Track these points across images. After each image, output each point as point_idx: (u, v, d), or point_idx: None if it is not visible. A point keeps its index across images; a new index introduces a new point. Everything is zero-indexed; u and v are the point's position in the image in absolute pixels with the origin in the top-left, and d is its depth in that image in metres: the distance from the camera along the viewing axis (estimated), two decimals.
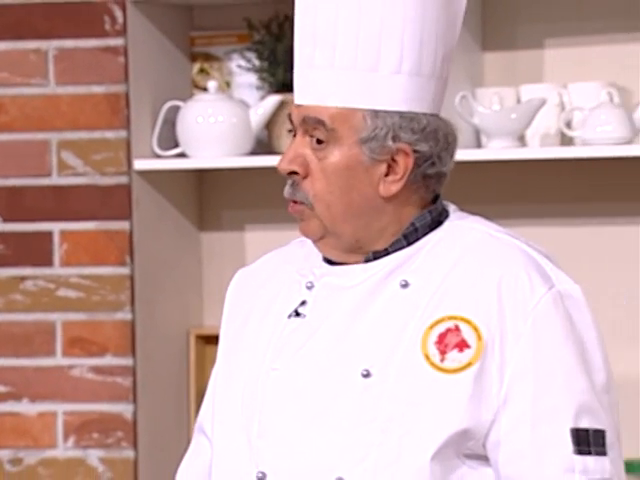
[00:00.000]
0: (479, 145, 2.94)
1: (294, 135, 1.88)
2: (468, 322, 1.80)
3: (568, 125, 2.88)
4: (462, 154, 2.85)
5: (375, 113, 1.81)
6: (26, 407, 3.13)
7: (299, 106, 1.85)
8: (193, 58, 3.24)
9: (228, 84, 3.20)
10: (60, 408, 3.10)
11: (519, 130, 2.89)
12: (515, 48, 3.05)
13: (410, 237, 1.86)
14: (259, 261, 2.04)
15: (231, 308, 2.02)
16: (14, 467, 3.14)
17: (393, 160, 1.81)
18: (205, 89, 3.12)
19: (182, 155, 3.11)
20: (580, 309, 1.83)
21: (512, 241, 1.85)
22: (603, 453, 1.78)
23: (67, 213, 3.10)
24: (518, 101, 2.94)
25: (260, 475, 1.84)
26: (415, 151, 1.81)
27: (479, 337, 1.78)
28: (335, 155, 1.82)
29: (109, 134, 3.07)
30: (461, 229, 1.88)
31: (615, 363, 2.10)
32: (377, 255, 1.87)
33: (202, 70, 3.24)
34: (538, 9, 3.02)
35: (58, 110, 3.10)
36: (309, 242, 1.94)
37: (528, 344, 1.79)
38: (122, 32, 3.05)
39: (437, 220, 1.87)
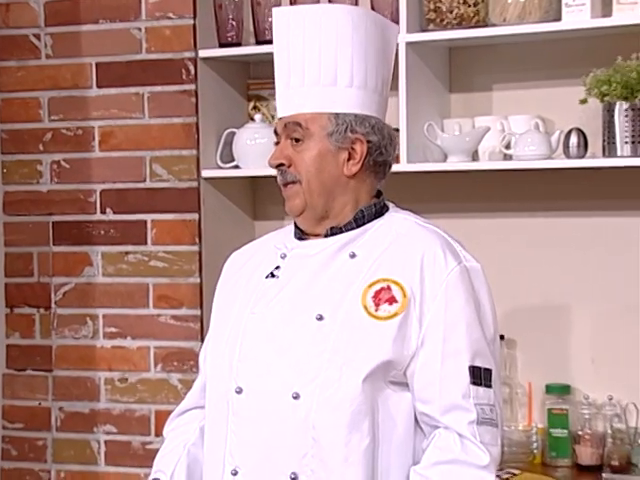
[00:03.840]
0: (444, 160, 2.94)
1: (277, 144, 1.90)
2: (397, 284, 1.81)
3: (507, 146, 2.89)
4: (431, 166, 3.01)
5: (336, 115, 1.85)
6: (129, 343, 3.17)
7: (281, 118, 1.88)
8: (249, 98, 3.27)
9: (273, 117, 3.19)
10: (152, 344, 3.14)
11: (472, 149, 2.91)
12: (472, 91, 3.03)
13: (359, 221, 1.89)
14: (248, 245, 2.07)
15: (224, 277, 2.03)
16: (121, 384, 3.18)
17: (352, 148, 1.86)
18: (254, 120, 3.16)
19: (237, 167, 3.13)
20: (480, 281, 1.86)
21: (433, 229, 1.90)
22: (489, 386, 1.81)
23: (156, 207, 3.12)
24: (473, 128, 2.96)
25: (238, 389, 1.84)
26: (368, 141, 1.86)
27: (404, 295, 1.80)
28: (311, 147, 1.85)
29: (185, 152, 3.10)
30: (396, 219, 1.92)
31: None
32: (334, 232, 1.88)
33: (255, 107, 3.27)
34: (488, 64, 3.01)
35: (150, 135, 3.12)
36: (284, 229, 2.00)
37: (441, 302, 1.80)
38: (194, 80, 3.06)
39: (379, 212, 1.91)
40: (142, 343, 3.16)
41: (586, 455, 2.83)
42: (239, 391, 1.84)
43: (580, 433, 2.85)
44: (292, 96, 1.87)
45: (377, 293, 1.81)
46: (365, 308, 1.81)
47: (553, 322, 2.97)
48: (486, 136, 2.91)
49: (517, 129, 2.89)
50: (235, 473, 1.83)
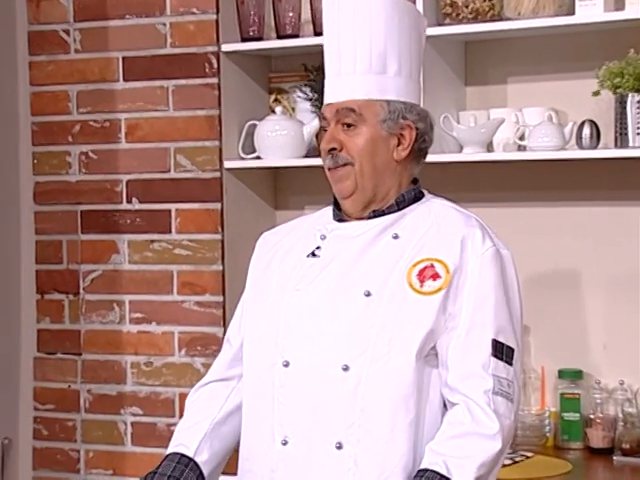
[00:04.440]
0: (460, 151, 2.92)
1: (325, 129, 1.91)
2: (440, 262, 1.83)
3: (521, 137, 2.86)
4: (447, 157, 2.99)
5: (388, 102, 1.87)
6: (154, 328, 3.16)
7: (331, 104, 1.89)
8: (270, 91, 3.24)
9: (293, 109, 3.19)
10: (176, 329, 3.13)
11: (487, 140, 2.89)
12: (487, 84, 3.02)
13: (400, 204, 1.91)
14: (279, 226, 2.08)
15: (258, 255, 2.03)
16: (147, 367, 3.18)
17: (401, 135, 1.88)
18: (275, 112, 3.11)
19: (258, 158, 3.11)
20: (510, 266, 1.89)
21: (470, 214, 1.95)
22: (510, 364, 1.82)
23: (180, 197, 3.12)
24: (487, 120, 2.92)
25: (285, 362, 1.85)
26: (416, 128, 1.89)
27: (447, 271, 1.82)
28: (364, 131, 1.87)
29: (208, 143, 3.08)
30: (434, 204, 1.95)
31: None
32: (376, 214, 1.90)
33: (276, 99, 3.23)
34: (502, 58, 2.98)
35: (175, 127, 3.12)
36: (318, 213, 2.01)
37: (474, 276, 1.83)
38: (217, 74, 3.05)
39: (418, 197, 1.95)
40: (167, 328, 3.15)
41: (598, 438, 2.82)
42: (286, 364, 1.85)
43: (592, 417, 2.84)
44: (344, 82, 1.89)
45: (421, 271, 1.83)
46: (410, 285, 1.82)
47: (566, 309, 2.96)
48: (501, 128, 2.90)
49: (531, 121, 2.87)
50: (285, 443, 1.84)
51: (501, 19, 2.84)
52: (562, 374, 2.90)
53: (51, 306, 3.30)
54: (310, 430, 1.82)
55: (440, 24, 2.91)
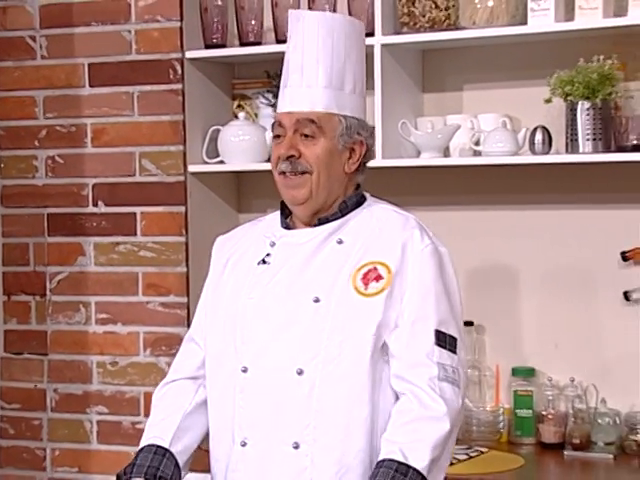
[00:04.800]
0: (418, 156, 2.94)
1: (277, 136, 1.93)
2: (382, 264, 1.89)
3: (476, 143, 2.90)
4: (405, 162, 3.04)
5: (345, 117, 1.93)
6: (120, 328, 3.17)
7: (292, 113, 1.91)
8: (233, 97, 3.27)
9: (256, 115, 3.21)
10: (141, 329, 3.14)
11: (444, 145, 2.93)
12: (443, 91, 3.05)
13: (343, 211, 1.97)
14: (232, 232, 2.10)
15: (214, 259, 2.07)
16: (113, 367, 3.18)
17: (352, 149, 1.95)
18: (238, 118, 3.15)
19: (222, 162, 3.13)
20: (448, 262, 1.95)
21: (408, 215, 2.00)
22: (454, 352, 1.88)
23: (145, 200, 3.13)
24: (444, 126, 2.95)
25: (243, 368, 1.90)
26: (366, 144, 1.97)
27: (389, 271, 1.88)
28: (322, 143, 1.91)
29: (172, 148, 3.10)
30: (375, 208, 2.00)
31: None
32: (321, 221, 1.95)
33: (239, 105, 3.26)
34: (458, 66, 3.02)
35: (140, 132, 3.13)
36: (266, 218, 2.04)
37: (415, 273, 1.89)
38: (181, 80, 3.07)
39: (360, 202, 1.99)
40: (132, 329, 3.16)
41: (549, 434, 2.87)
42: (244, 370, 1.89)
43: (544, 413, 2.88)
44: (305, 94, 1.92)
45: (365, 275, 1.88)
46: (356, 289, 1.87)
47: (520, 309, 3.00)
48: (457, 133, 2.93)
49: (486, 127, 2.92)
50: (244, 444, 1.89)
51: (457, 28, 2.89)
52: (515, 372, 2.95)
53: (18, 307, 3.31)
54: (268, 432, 1.87)
55: (398, 33, 2.94)
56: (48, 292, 3.27)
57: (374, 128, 2.04)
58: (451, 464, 2.62)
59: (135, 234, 3.17)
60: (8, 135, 3.30)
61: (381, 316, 1.86)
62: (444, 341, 1.87)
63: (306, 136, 1.91)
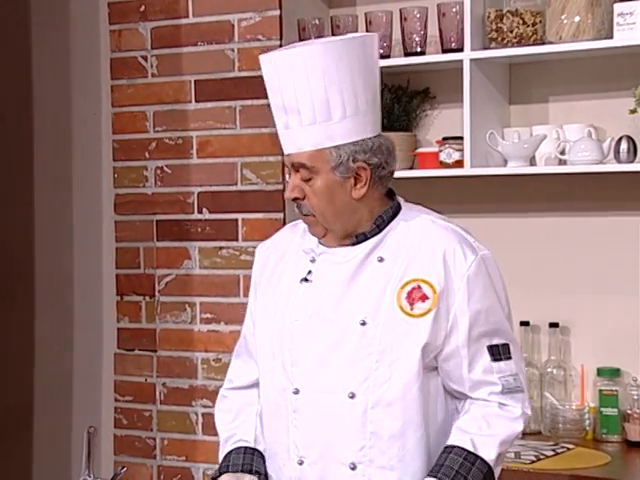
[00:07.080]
0: (505, 165, 2.91)
1: (289, 174, 1.85)
2: (426, 282, 1.80)
3: (562, 152, 2.86)
4: (493, 170, 3.01)
5: (337, 147, 1.77)
6: (222, 327, 3.19)
7: (288, 155, 1.82)
8: None
9: None
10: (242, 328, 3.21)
11: (530, 155, 2.90)
12: (530, 102, 3.01)
13: (381, 226, 1.84)
14: (272, 238, 2.00)
15: (257, 268, 1.97)
16: (216, 364, 3.21)
17: (357, 174, 1.79)
18: None
19: None
20: (493, 266, 1.85)
21: (446, 224, 1.86)
22: (509, 358, 1.82)
23: (246, 207, 3.15)
24: (530, 136, 2.93)
25: (295, 390, 1.83)
26: (370, 164, 1.79)
27: (434, 291, 1.79)
28: (319, 182, 1.79)
29: (271, 158, 3.12)
30: (411, 217, 1.86)
31: None
32: (359, 240, 1.84)
33: None
34: (544, 78, 2.99)
35: (241, 144, 3.16)
36: (301, 227, 1.91)
37: (464, 294, 1.79)
38: None
39: (396, 212, 1.86)
40: (234, 328, 3.17)
41: (635, 432, 2.82)
42: (296, 392, 1.83)
43: (629, 412, 2.84)
44: (292, 136, 1.80)
45: (409, 293, 1.80)
46: (401, 309, 1.79)
47: (605, 311, 2.96)
48: (543, 143, 2.91)
49: (571, 137, 2.88)
50: (301, 463, 1.83)
51: (543, 43, 2.86)
52: (601, 372, 2.91)
53: (130, 307, 3.37)
54: (324, 452, 1.81)
55: (486, 48, 2.94)
56: (157, 293, 3.32)
57: (382, 140, 1.80)
58: (538, 459, 2.62)
59: (237, 239, 3.19)
60: (121, 148, 3.38)
61: (428, 338, 1.79)
62: (498, 353, 1.82)
63: (304, 179, 1.80)
